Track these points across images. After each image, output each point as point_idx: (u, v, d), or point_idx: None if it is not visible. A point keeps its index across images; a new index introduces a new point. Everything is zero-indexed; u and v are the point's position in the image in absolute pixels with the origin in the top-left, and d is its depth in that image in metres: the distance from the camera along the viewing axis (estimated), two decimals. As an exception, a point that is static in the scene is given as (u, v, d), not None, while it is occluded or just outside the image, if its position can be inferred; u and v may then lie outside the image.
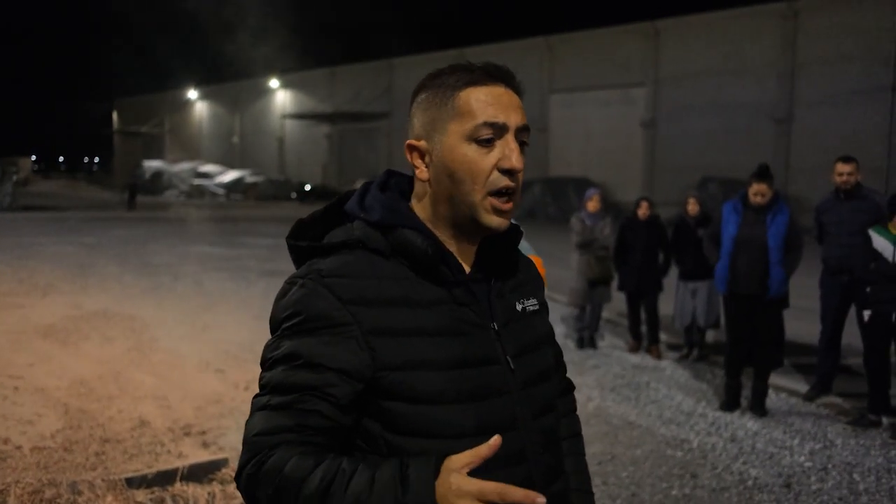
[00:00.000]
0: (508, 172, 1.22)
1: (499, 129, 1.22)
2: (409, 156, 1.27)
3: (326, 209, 1.33)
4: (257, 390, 1.22)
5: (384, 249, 1.23)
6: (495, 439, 1.04)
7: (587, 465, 1.56)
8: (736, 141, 30.07)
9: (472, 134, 1.21)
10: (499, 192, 1.23)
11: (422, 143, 1.26)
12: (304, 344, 1.16)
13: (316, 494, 1.06)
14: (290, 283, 1.23)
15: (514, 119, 1.23)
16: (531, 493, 1.01)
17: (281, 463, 1.10)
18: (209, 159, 55.15)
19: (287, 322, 1.19)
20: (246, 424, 1.18)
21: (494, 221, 1.24)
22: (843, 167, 5.93)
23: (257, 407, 1.18)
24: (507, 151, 1.22)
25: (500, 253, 1.34)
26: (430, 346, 1.18)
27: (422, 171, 1.26)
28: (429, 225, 1.27)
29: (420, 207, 1.29)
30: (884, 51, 27.03)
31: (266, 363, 1.20)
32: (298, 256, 1.30)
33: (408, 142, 1.28)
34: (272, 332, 1.23)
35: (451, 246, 1.28)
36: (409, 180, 1.35)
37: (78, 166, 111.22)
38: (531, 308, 1.38)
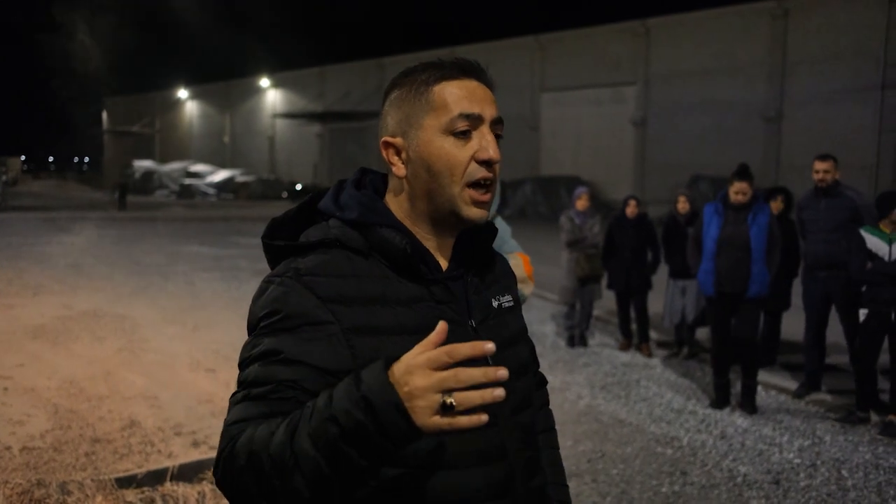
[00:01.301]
0: (486, 163, 1.24)
1: (474, 121, 1.23)
2: (384, 153, 1.27)
3: (300, 208, 1.33)
4: None
5: (362, 248, 1.23)
6: (441, 324, 1.02)
7: (561, 459, 1.57)
8: (726, 139, 30.16)
9: (448, 127, 1.22)
10: (477, 184, 1.24)
11: (397, 140, 1.26)
12: (283, 341, 1.14)
13: (285, 439, 1.02)
14: (267, 281, 1.22)
15: (488, 111, 1.25)
16: (478, 344, 1.00)
17: (252, 431, 1.07)
18: (199, 159, 54.93)
19: (266, 320, 1.17)
20: (224, 421, 1.16)
21: (474, 213, 1.25)
22: (819, 165, 6.04)
23: (234, 402, 1.16)
24: (484, 143, 1.23)
25: (475, 249, 1.35)
26: (410, 344, 1.15)
27: (398, 168, 1.27)
28: (405, 222, 1.28)
29: (396, 205, 1.29)
30: (873, 50, 27.16)
31: (244, 363, 1.18)
32: (274, 256, 1.29)
33: (383, 139, 1.27)
34: (250, 331, 1.22)
35: (428, 243, 1.29)
36: (384, 178, 1.36)
37: (68, 166, 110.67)
38: (506, 304, 1.39)
